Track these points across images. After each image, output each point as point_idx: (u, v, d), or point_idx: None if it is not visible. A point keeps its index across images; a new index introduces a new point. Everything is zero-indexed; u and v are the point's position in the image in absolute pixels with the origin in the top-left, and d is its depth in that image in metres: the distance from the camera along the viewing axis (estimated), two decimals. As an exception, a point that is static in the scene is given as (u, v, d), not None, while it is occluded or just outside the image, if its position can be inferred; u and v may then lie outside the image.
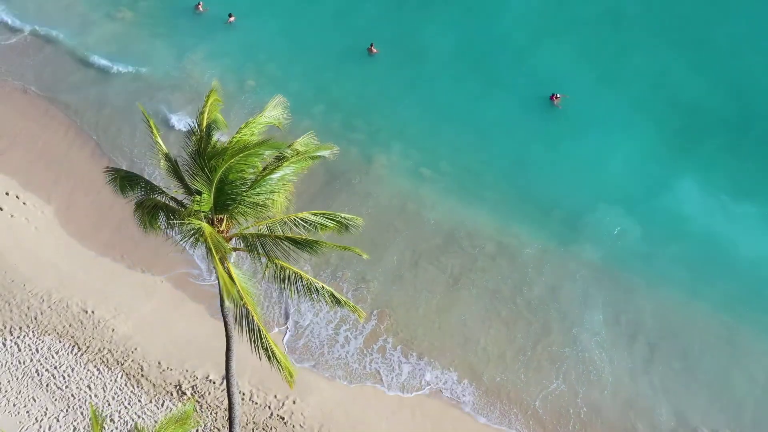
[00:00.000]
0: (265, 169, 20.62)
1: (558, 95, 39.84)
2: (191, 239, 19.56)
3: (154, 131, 21.56)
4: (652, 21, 44.32)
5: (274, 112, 21.88)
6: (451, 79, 41.98)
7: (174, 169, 21.09)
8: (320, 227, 21.26)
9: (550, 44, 43.20)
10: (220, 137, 21.23)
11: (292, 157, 20.89)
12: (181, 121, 39.45)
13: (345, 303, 21.18)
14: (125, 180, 21.77)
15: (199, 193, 19.77)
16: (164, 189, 21.59)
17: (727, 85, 40.69)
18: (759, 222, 35.23)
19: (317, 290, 20.85)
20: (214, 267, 20.80)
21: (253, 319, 20.06)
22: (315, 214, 21.37)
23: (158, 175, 32.86)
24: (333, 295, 21.06)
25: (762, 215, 35.44)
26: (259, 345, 20.16)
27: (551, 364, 30.93)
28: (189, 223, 19.26)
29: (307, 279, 20.79)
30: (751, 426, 29.27)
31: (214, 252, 18.97)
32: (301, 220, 21.12)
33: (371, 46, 42.94)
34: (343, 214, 21.66)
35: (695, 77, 41.08)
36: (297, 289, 20.82)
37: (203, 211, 19.86)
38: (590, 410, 29.60)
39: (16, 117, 40.83)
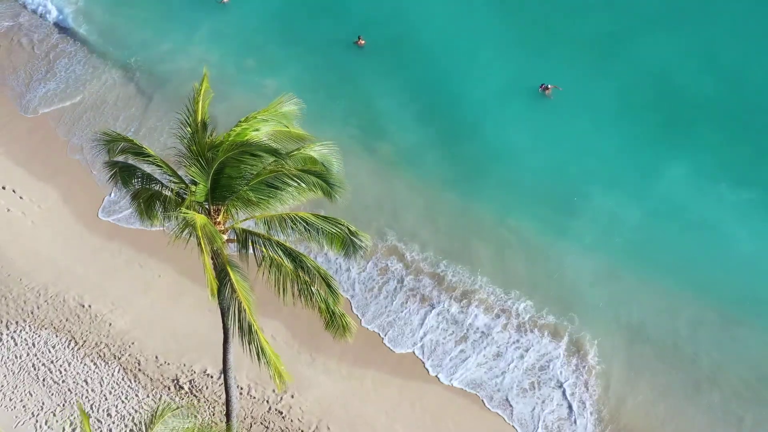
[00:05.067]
0: (264, 170, 19.80)
1: (549, 86, 39.54)
2: (185, 230, 19.18)
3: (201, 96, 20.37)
4: (645, 8, 43.82)
5: (280, 108, 20.98)
6: (440, 71, 41.48)
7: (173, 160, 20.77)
8: (327, 236, 19.75)
9: (541, 33, 42.67)
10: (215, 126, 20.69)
11: (299, 169, 19.71)
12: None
13: (340, 317, 20.30)
14: (123, 172, 21.24)
15: (195, 183, 19.53)
16: (161, 179, 21.26)
17: (721, 73, 40.18)
18: (755, 209, 35.00)
19: (313, 295, 20.00)
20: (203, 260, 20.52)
21: (245, 312, 19.61)
22: (317, 217, 20.16)
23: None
24: (328, 306, 20.21)
25: (758, 202, 35.18)
26: (249, 341, 19.46)
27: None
28: (182, 214, 18.95)
29: (304, 281, 20.11)
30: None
31: (203, 244, 18.56)
32: (301, 219, 19.98)
33: (359, 38, 42.53)
34: (348, 224, 20.07)
35: (687, 65, 40.56)
36: (292, 292, 19.98)
37: (198, 201, 19.60)
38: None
39: (13, 112, 40.64)
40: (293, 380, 21.36)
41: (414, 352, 31.02)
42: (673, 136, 37.83)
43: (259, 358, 19.67)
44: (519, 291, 32.82)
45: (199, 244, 18.51)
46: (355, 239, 19.88)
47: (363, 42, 42.34)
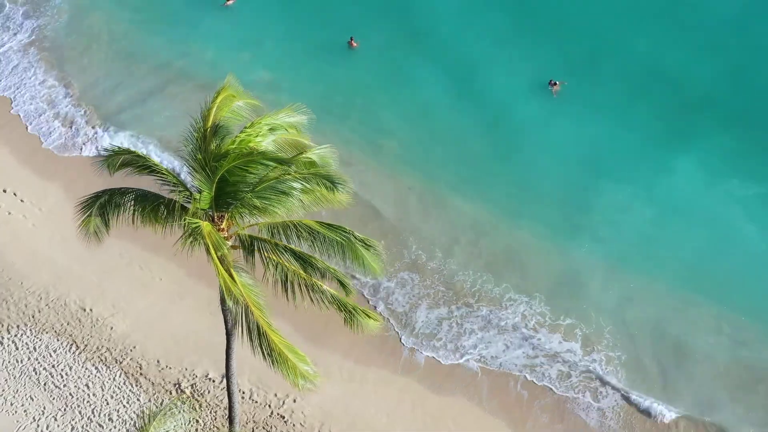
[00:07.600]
0: (268, 175, 19.55)
1: (557, 82, 39.44)
2: (190, 237, 19.05)
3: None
4: (652, 4, 43.88)
5: (287, 118, 20.80)
6: (441, 72, 41.32)
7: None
8: (333, 245, 19.35)
9: (546, 28, 42.56)
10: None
11: (303, 173, 19.44)
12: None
13: (357, 313, 20.06)
14: (103, 207, 20.62)
15: (199, 191, 19.44)
16: (158, 193, 21.09)
17: (730, 68, 40.27)
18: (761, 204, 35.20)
19: (323, 295, 19.77)
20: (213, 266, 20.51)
21: (253, 315, 19.43)
22: (321, 225, 19.88)
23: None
24: (340, 304, 20.02)
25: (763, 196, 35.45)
26: (260, 344, 19.21)
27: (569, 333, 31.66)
28: (188, 222, 18.87)
29: (311, 281, 20.01)
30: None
31: (212, 251, 18.56)
32: (305, 227, 19.73)
33: (351, 39, 42.30)
34: (353, 231, 19.66)
35: (696, 60, 40.60)
36: (301, 293, 19.75)
37: (202, 209, 19.51)
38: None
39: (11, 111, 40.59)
40: (320, 377, 20.68)
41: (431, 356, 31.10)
42: (683, 132, 37.87)
43: (282, 363, 19.31)
44: (527, 290, 32.84)
45: (208, 250, 18.42)
46: (368, 246, 19.69)
47: (356, 44, 42.05)
